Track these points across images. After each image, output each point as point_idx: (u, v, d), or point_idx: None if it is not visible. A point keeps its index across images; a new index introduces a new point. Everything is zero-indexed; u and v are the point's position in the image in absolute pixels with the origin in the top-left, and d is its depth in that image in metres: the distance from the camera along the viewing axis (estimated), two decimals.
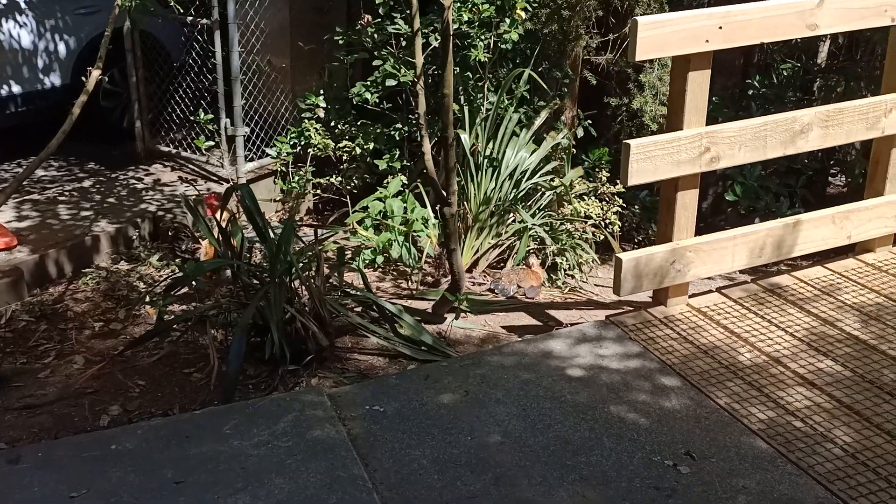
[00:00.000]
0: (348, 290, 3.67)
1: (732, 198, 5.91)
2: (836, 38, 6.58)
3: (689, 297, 3.50)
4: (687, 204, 3.34)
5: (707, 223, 6.78)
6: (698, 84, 3.19)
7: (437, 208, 4.65)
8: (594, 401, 2.84)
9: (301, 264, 3.50)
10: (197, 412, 2.89)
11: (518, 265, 4.48)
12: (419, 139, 3.28)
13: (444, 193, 3.29)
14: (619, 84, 5.35)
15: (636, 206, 5.89)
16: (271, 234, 3.48)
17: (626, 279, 3.25)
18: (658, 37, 3.02)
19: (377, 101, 4.85)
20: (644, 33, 2.98)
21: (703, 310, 3.41)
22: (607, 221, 4.80)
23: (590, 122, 4.93)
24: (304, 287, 3.43)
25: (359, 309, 3.78)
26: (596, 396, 2.86)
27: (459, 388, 2.94)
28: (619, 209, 4.91)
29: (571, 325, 3.78)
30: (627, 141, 3.13)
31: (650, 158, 3.15)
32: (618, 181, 5.02)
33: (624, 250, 4.78)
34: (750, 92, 5.87)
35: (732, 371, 2.98)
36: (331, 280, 3.68)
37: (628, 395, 2.87)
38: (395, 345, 3.44)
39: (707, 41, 3.08)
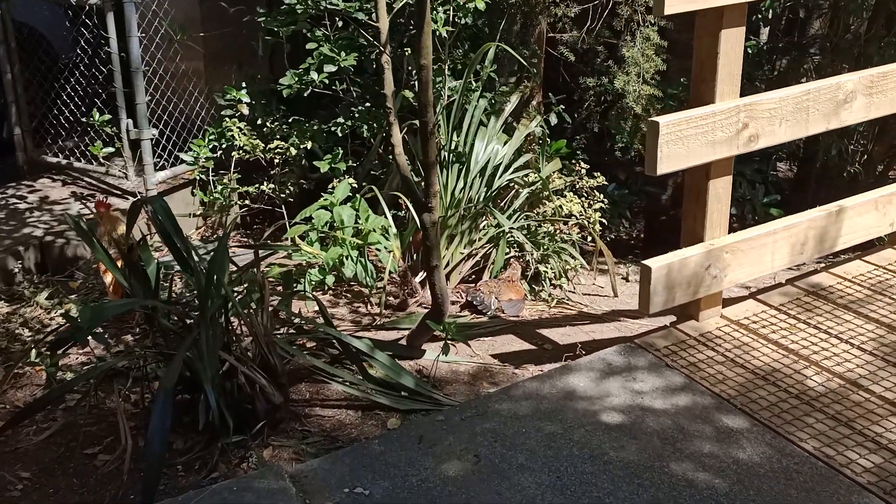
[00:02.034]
0: (302, 322, 2.88)
1: None
2: (779, 17, 6.22)
3: (722, 306, 2.89)
4: (720, 194, 2.72)
5: (670, 216, 6.29)
6: (732, 44, 2.57)
7: (401, 215, 3.92)
8: (647, 458, 2.17)
9: (239, 296, 2.69)
10: None
11: (495, 276, 3.79)
12: (386, 127, 2.54)
13: (423, 196, 2.56)
14: (586, 63, 4.73)
15: (604, 201, 5.29)
16: (196, 259, 2.65)
17: (656, 292, 2.60)
18: None
19: (324, 83, 4.07)
20: None
21: (742, 322, 2.80)
22: (590, 221, 4.16)
23: (563, 106, 4.31)
24: (245, 325, 2.63)
25: (312, 344, 3.01)
26: (648, 451, 2.19)
27: (467, 452, 2.22)
28: (602, 205, 4.28)
29: (576, 349, 3.12)
30: (655, 119, 2.48)
31: (683, 139, 2.51)
32: (597, 174, 4.40)
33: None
34: None
35: (807, 402, 2.37)
36: (279, 312, 2.89)
37: (688, 445, 2.21)
38: (369, 393, 2.69)
39: None
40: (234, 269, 2.83)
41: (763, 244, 2.80)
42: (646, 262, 2.61)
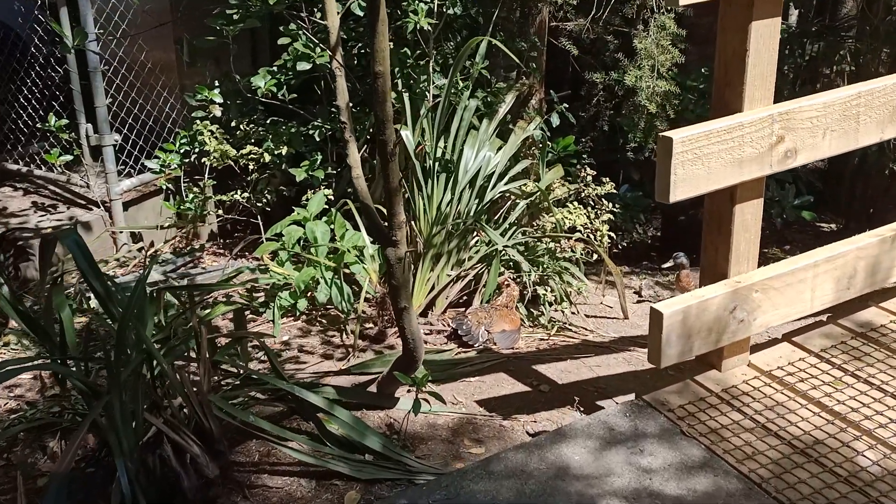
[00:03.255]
0: (250, 373, 2.45)
1: None
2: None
3: (750, 352, 2.42)
4: (748, 222, 2.25)
5: (688, 216, 5.78)
6: (765, 39, 2.09)
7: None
8: None
9: (172, 343, 2.27)
10: None
11: (487, 302, 3.34)
12: (343, 144, 2.09)
13: (387, 227, 2.11)
14: (594, 55, 4.24)
15: (615, 204, 4.81)
16: (119, 301, 2.23)
17: (669, 342, 2.14)
18: None
19: (272, 91, 3.61)
20: None
21: (775, 374, 2.33)
22: (597, 234, 3.69)
23: (565, 105, 3.83)
24: (180, 379, 2.20)
25: (265, 396, 2.59)
26: None
27: None
28: (611, 216, 3.81)
29: (577, 405, 2.67)
30: (667, 133, 2.01)
31: (702, 158, 2.04)
32: (605, 180, 3.92)
33: (615, 261, 3.70)
34: None
35: (859, 489, 1.90)
36: (232, 350, 2.46)
37: None
38: (326, 460, 2.26)
39: None
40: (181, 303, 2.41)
41: (801, 280, 2.32)
42: (657, 305, 2.15)
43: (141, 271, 3.90)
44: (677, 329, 2.15)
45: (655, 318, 2.14)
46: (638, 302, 4.23)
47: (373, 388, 2.66)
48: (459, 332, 3.14)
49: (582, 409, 2.64)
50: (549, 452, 2.09)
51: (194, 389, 2.09)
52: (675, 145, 1.99)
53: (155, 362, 2.11)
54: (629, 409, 2.24)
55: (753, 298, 2.25)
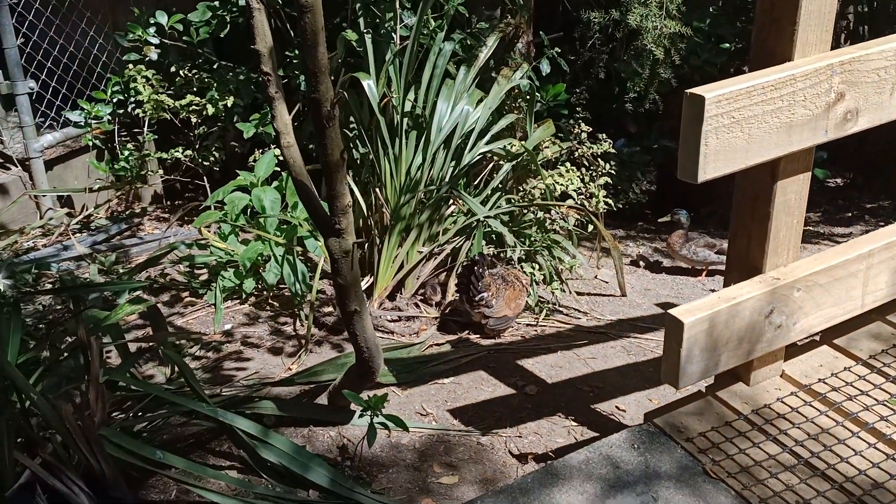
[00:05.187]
0: (158, 394, 1.97)
1: None
2: None
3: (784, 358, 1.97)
4: (791, 204, 1.77)
5: (675, 180, 5.30)
6: None
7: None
8: None
9: (51, 362, 1.78)
10: None
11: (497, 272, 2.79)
12: (270, 102, 1.57)
13: (329, 213, 1.62)
14: None
15: (611, 163, 4.30)
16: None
17: (690, 359, 1.68)
18: None
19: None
20: None
21: (816, 388, 1.89)
22: (593, 199, 3.20)
23: (557, 49, 3.29)
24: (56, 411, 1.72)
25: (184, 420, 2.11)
26: None
27: None
28: (608, 179, 3.31)
29: (570, 419, 2.23)
30: (697, 90, 1.51)
31: (740, 123, 1.54)
32: (601, 136, 3.41)
33: (608, 224, 3.22)
34: None
35: None
36: (147, 355, 1.98)
37: None
38: (256, 502, 1.80)
39: None
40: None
41: (852, 273, 1.86)
42: (676, 312, 1.68)
43: (64, 242, 3.38)
44: (701, 341, 1.69)
45: (673, 328, 1.67)
46: (636, 271, 3.78)
47: (323, 399, 2.20)
48: (475, 295, 2.64)
49: (574, 419, 2.20)
50: (538, 500, 1.64)
51: (78, 423, 1.61)
52: (709, 106, 1.49)
53: (21, 391, 1.62)
54: (637, 438, 1.79)
55: (794, 298, 1.79)
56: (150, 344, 2.34)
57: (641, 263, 3.92)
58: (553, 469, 1.72)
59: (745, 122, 1.55)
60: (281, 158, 3.23)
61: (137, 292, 2.69)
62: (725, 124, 1.52)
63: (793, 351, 2.03)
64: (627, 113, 4.56)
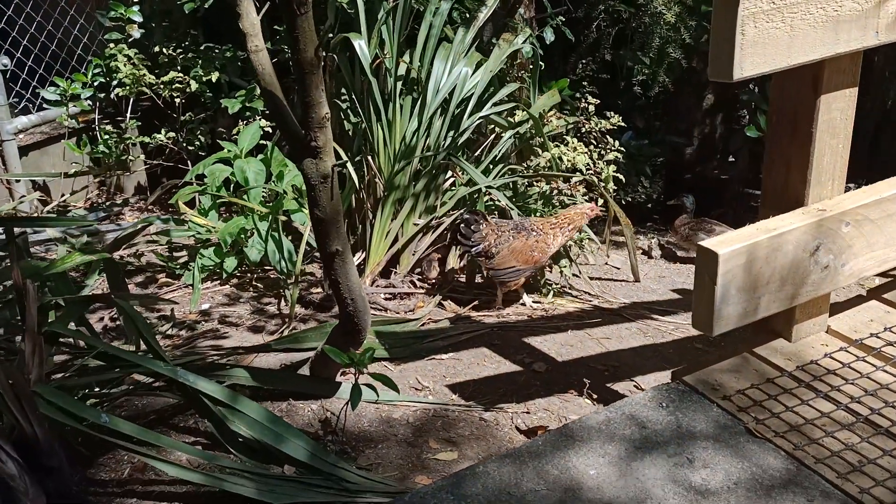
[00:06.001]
0: (102, 347, 1.72)
1: (755, 134, 4.14)
2: None
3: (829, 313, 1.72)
4: (836, 123, 1.54)
5: (695, 173, 5.08)
6: None
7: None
8: None
9: None
10: None
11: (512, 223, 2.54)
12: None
13: (303, 128, 1.39)
14: None
15: (620, 149, 4.07)
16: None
17: (726, 298, 1.44)
18: None
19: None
20: None
21: (869, 343, 1.64)
22: (601, 177, 2.97)
23: (562, 18, 3.09)
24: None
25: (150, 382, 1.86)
26: None
27: None
28: (618, 154, 3.09)
29: (587, 390, 1.97)
30: None
31: (781, 10, 1.32)
32: (610, 114, 3.19)
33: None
34: None
35: None
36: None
37: None
38: (223, 477, 1.54)
39: None
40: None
41: None
42: (708, 243, 1.44)
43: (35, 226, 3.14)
44: (739, 279, 1.44)
45: (706, 262, 1.43)
46: (648, 261, 3.54)
47: (305, 371, 1.95)
48: (462, 229, 2.43)
49: (594, 395, 1.95)
50: (551, 464, 1.38)
51: (8, 381, 1.36)
52: None
53: None
54: (666, 397, 1.53)
55: (843, 234, 1.55)
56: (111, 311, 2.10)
57: (654, 253, 3.69)
58: (568, 430, 1.47)
59: (787, 9, 1.33)
60: (268, 130, 3.06)
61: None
62: (765, 10, 1.30)
63: (837, 307, 1.78)
64: (636, 105, 4.36)
